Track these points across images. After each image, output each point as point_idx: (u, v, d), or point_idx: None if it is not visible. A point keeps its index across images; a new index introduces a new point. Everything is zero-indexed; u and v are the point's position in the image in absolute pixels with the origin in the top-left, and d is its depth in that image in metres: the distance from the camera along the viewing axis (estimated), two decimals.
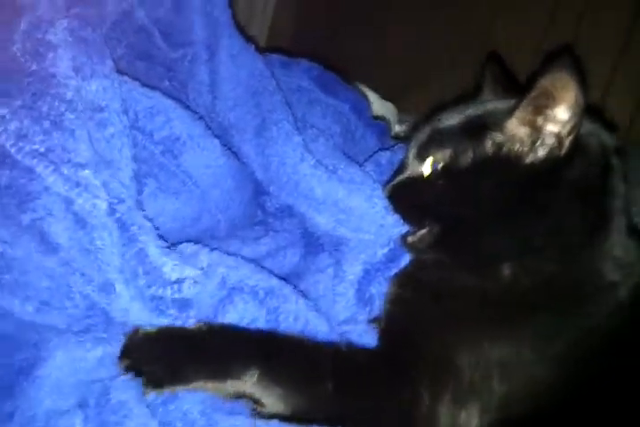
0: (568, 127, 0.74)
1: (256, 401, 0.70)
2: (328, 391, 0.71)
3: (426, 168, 0.84)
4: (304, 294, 0.84)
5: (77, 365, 0.71)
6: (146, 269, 0.74)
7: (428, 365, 0.73)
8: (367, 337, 0.82)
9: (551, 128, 0.75)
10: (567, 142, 0.75)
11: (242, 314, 0.76)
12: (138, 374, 0.68)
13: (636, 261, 0.78)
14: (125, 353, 0.70)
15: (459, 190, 0.80)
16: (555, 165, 0.76)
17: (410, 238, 0.85)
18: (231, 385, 0.69)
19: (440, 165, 0.82)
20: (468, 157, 0.79)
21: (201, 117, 0.98)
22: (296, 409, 0.70)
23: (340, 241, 0.91)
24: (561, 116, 0.73)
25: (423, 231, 0.83)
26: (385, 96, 1.55)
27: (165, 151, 0.90)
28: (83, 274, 0.73)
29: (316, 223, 0.93)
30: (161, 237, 0.80)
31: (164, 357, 0.70)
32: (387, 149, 1.20)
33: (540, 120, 0.75)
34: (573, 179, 0.76)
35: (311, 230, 0.98)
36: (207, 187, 0.94)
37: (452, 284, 0.79)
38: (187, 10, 1.03)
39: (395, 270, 0.88)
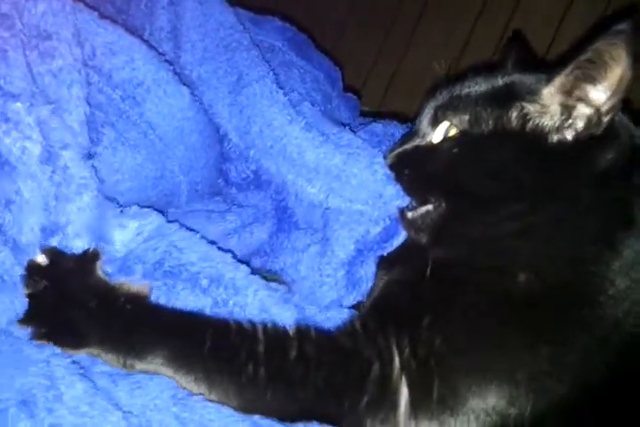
0: (609, 104, 0.66)
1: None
2: (260, 378, 0.61)
3: (438, 134, 0.75)
4: (275, 281, 0.74)
5: None
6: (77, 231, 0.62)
7: (418, 353, 0.63)
8: None
9: (593, 101, 0.67)
10: (605, 122, 0.67)
11: (175, 302, 0.67)
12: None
13: None
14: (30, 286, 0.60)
15: (472, 162, 0.71)
16: (588, 146, 0.68)
17: (410, 214, 0.75)
18: (134, 362, 0.61)
19: (455, 131, 0.73)
20: (487, 126, 0.71)
21: (167, 61, 0.84)
22: (225, 398, 0.61)
23: (328, 216, 0.79)
24: (606, 90, 0.66)
25: (427, 207, 0.74)
26: None
27: (126, 97, 0.77)
28: None
29: (306, 194, 0.81)
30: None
31: (67, 309, 0.61)
32: (363, 124, 1.10)
33: (581, 90, 0.67)
34: (604, 167, 0.68)
35: (286, 206, 0.86)
36: (171, 141, 0.81)
37: (463, 279, 0.68)
38: None
39: (387, 250, 0.78)
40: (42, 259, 0.61)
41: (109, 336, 0.61)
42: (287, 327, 0.66)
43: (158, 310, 0.65)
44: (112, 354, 0.60)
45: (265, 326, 0.65)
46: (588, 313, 0.65)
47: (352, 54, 1.65)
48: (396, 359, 0.63)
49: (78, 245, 0.63)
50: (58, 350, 0.57)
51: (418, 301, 0.68)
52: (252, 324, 0.65)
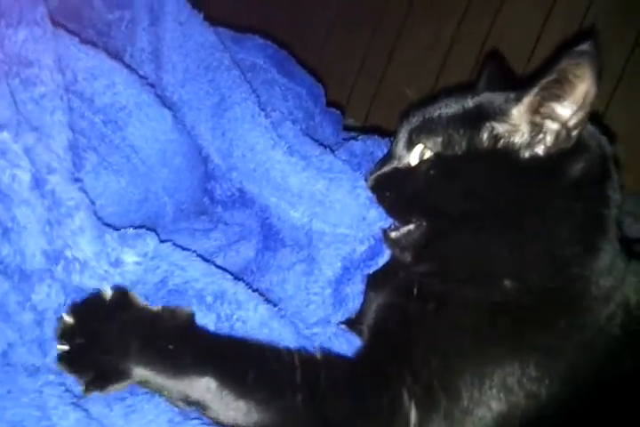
0: (576, 119, 0.69)
1: (204, 408, 0.63)
2: (297, 404, 0.63)
3: (413, 157, 0.77)
4: (266, 299, 0.74)
5: None
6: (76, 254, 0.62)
7: (420, 380, 0.66)
8: (339, 341, 0.74)
9: (560, 118, 0.69)
10: (574, 136, 0.70)
11: None
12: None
13: (625, 276, 0.73)
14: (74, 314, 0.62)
15: (449, 183, 0.73)
16: (558, 159, 0.70)
17: (393, 234, 0.77)
18: (181, 387, 0.62)
19: (429, 154, 0.75)
20: (460, 147, 0.73)
21: (149, 84, 0.84)
22: (256, 423, 0.63)
23: (312, 236, 0.80)
24: (571, 106, 0.68)
25: (409, 227, 0.76)
26: None
27: (108, 121, 0.77)
28: None
29: (288, 217, 0.82)
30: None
31: (112, 336, 0.62)
32: (346, 139, 1.11)
33: (549, 108, 0.69)
34: (575, 178, 0.71)
35: (271, 223, 0.86)
36: (154, 164, 0.81)
37: (448, 294, 0.71)
38: None
39: (373, 269, 0.79)
40: (68, 318, 0.61)
41: (159, 361, 0.61)
42: (315, 353, 0.69)
43: (203, 335, 0.66)
44: (160, 378, 0.61)
45: (299, 352, 0.68)
46: (572, 320, 0.68)
47: (335, 69, 1.67)
48: (404, 391, 0.66)
49: (80, 270, 0.63)
50: (51, 378, 0.56)
51: (409, 326, 0.70)
52: (288, 349, 0.67)
